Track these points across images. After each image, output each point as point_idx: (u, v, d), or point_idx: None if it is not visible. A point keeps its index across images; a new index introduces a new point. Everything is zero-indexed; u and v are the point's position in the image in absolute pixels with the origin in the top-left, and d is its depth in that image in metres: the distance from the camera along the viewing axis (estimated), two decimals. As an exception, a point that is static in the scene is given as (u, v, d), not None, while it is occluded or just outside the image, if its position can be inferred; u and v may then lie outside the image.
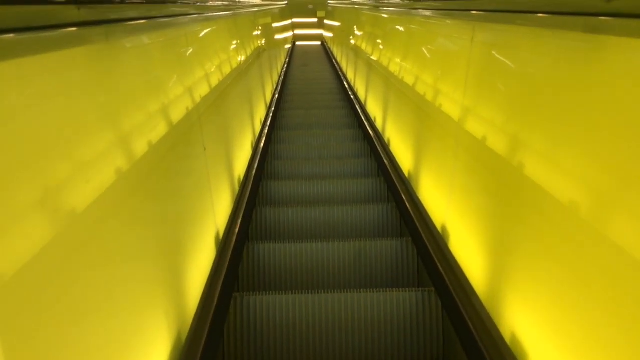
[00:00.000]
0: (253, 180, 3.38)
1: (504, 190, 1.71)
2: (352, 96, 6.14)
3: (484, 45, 2.05)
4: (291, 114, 6.13)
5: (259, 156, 3.89)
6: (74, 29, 1.15)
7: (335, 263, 2.70)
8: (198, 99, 2.28)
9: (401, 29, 4.03)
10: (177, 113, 1.93)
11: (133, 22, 1.62)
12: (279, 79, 7.74)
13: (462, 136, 2.13)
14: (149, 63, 1.73)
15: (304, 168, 4.24)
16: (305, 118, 5.87)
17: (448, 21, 2.71)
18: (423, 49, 3.21)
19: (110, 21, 1.38)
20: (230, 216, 2.70)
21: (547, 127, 1.44)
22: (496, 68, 1.93)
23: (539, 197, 1.41)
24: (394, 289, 2.28)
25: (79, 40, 1.17)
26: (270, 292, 2.32)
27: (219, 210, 2.49)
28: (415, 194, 2.93)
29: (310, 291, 2.29)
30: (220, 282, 2.07)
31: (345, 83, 7.32)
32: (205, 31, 2.94)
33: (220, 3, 3.78)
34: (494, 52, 1.97)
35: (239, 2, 4.96)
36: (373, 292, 2.26)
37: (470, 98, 2.09)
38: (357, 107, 5.57)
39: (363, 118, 5.02)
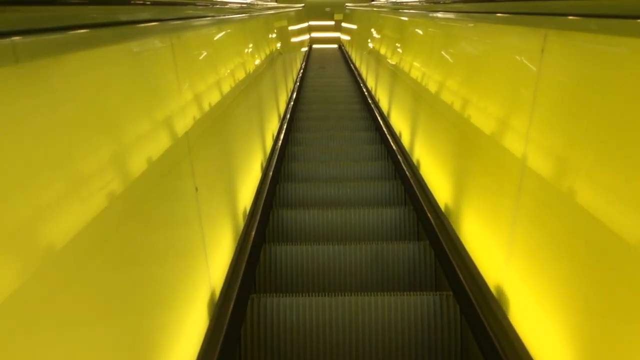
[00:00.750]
0: (264, 202, 3.12)
1: (599, 261, 1.29)
2: (372, 105, 6.13)
3: (560, 59, 1.58)
4: (308, 116, 6.29)
5: (269, 179, 3.57)
6: None
7: (353, 265, 2.74)
8: (187, 127, 1.80)
9: (436, 37, 3.52)
10: (149, 153, 1.43)
11: (72, 32, 1.10)
12: (295, 84, 7.82)
13: (528, 178, 1.69)
14: (98, 88, 1.21)
15: (321, 170, 4.28)
16: (323, 121, 5.96)
17: (504, 27, 2.19)
18: (466, 61, 2.74)
19: (26, 32, 0.91)
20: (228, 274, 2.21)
21: None
22: (583, 92, 1.45)
23: None
24: (411, 293, 2.31)
25: None
26: (287, 294, 2.35)
27: (214, 275, 2.04)
28: (454, 232, 2.51)
29: (327, 293, 2.32)
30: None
31: (364, 89, 7.37)
32: (203, 40, 2.45)
33: (228, 6, 3.52)
34: (579, 70, 1.48)
35: (252, 4, 4.89)
36: (390, 295, 2.29)
37: (539, 129, 1.64)
38: (377, 116, 5.52)
39: (386, 131, 4.79)
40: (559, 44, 1.58)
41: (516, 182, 1.77)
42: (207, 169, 2.13)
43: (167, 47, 1.71)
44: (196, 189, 1.85)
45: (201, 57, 2.34)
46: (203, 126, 2.06)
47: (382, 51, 6.11)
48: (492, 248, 2.03)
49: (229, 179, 2.61)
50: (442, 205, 2.84)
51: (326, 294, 2.33)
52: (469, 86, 2.57)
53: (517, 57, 1.97)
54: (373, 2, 9.25)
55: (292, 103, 6.33)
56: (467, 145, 2.51)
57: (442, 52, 3.24)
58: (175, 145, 1.66)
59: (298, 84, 8.03)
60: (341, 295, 2.31)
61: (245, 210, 2.84)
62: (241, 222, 2.69)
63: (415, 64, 4.01)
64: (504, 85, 2.06)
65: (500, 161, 1.98)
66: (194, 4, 2.45)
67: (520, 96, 1.84)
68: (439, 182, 3.00)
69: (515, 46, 2.02)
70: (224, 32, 3.00)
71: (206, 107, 2.17)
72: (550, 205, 1.54)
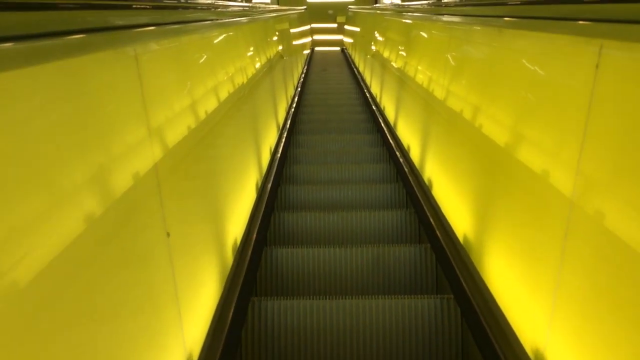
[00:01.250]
0: (261, 220, 2.94)
1: None
2: (374, 107, 6.14)
3: (621, 78, 1.28)
4: (310, 119, 6.36)
5: (268, 191, 3.37)
6: None
7: (354, 268, 2.77)
8: (154, 159, 1.44)
9: (456, 45, 3.14)
10: (99, 197, 1.12)
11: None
12: (296, 88, 7.86)
13: (578, 222, 1.40)
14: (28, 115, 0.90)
15: (322, 173, 4.30)
16: (325, 123, 6.02)
17: (544, 35, 1.80)
18: (491, 74, 2.38)
19: None
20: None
21: None
22: None
23: None
24: (412, 296, 2.33)
25: None
26: (288, 297, 2.38)
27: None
28: (475, 268, 2.24)
29: (328, 297, 2.35)
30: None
31: (366, 92, 7.40)
32: (183, 48, 2.06)
33: (229, 10, 3.38)
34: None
35: (253, 7, 4.84)
36: (391, 298, 2.31)
37: (595, 162, 1.34)
38: (379, 119, 5.53)
39: (393, 144, 4.58)
40: (620, 59, 1.28)
41: (562, 223, 1.46)
42: (183, 205, 1.77)
43: (128, 59, 1.38)
44: (168, 234, 1.49)
45: (179, 70, 1.95)
46: (179, 154, 1.71)
47: (387, 55, 6.11)
48: (529, 303, 1.72)
49: (216, 201, 2.29)
50: (460, 237, 2.57)
51: (327, 297, 2.35)
52: (496, 102, 2.25)
53: (562, 72, 1.64)
54: (377, 5, 9.29)
55: (293, 107, 6.37)
56: (487, 163, 2.30)
57: (461, 62, 2.97)
58: (139, 183, 1.32)
59: (300, 88, 8.08)
60: (342, 298, 2.34)
61: (235, 243, 2.50)
62: (230, 260, 2.34)
63: (428, 71, 3.75)
64: (547, 105, 1.72)
65: (536, 194, 1.71)
66: (189, 10, 2.15)
67: (567, 119, 1.52)
68: (457, 212, 2.70)
69: (557, 58, 1.68)
70: (213, 39, 2.66)
71: (183, 133, 1.78)
72: (610, 258, 1.26)
